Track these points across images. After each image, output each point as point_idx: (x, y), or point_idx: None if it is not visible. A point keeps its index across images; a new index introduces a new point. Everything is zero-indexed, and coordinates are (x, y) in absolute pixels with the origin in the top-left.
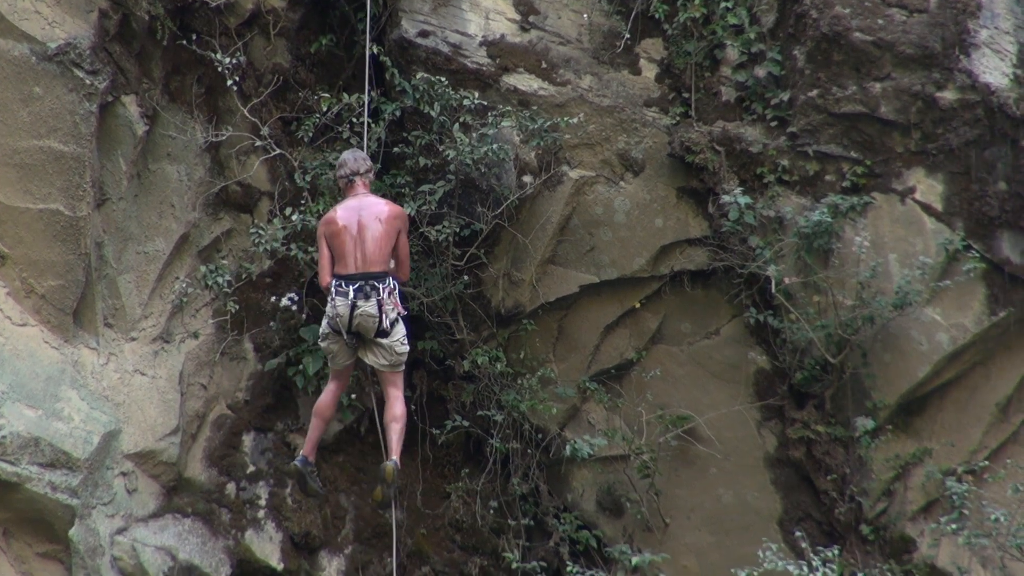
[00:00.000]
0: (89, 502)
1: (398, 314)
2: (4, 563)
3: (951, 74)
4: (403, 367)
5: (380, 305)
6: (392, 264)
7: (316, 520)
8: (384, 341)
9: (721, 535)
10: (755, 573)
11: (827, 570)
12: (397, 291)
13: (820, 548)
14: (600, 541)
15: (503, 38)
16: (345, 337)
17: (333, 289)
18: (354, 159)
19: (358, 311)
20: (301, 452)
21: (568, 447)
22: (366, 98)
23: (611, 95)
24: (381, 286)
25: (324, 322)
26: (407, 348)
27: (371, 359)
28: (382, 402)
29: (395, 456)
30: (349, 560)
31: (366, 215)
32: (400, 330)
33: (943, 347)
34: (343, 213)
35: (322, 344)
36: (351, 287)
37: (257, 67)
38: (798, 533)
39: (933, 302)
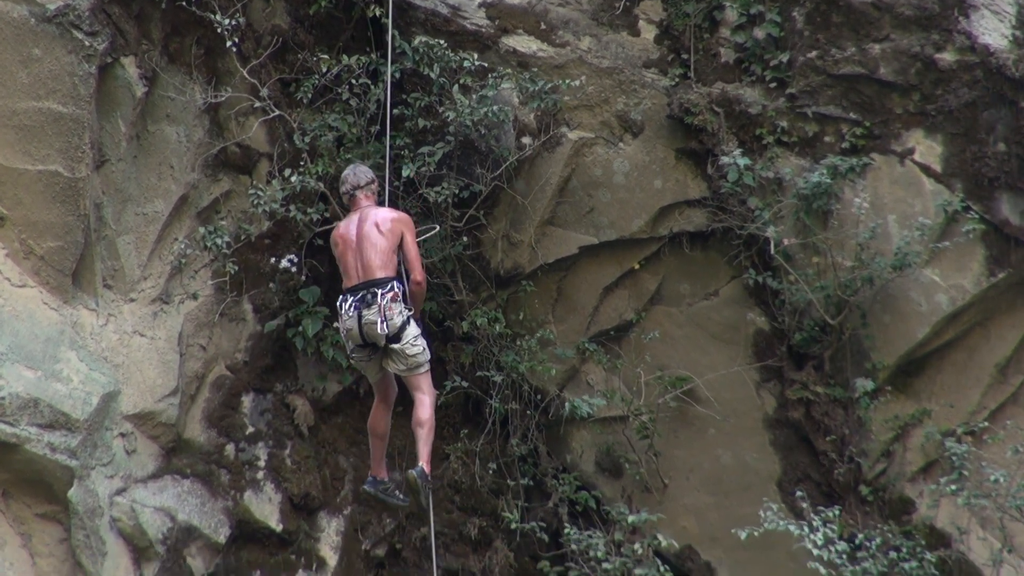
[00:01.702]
0: (88, 463)
1: (407, 317)
2: (3, 524)
3: (950, 35)
4: (425, 368)
5: (382, 311)
6: (400, 268)
7: (315, 481)
8: (396, 346)
9: (720, 496)
10: (755, 533)
11: (827, 530)
12: (402, 295)
13: (820, 508)
14: (599, 502)
15: (502, 0)
16: (361, 352)
17: (339, 305)
18: (354, 174)
19: (364, 320)
20: (369, 474)
21: (567, 408)
22: (389, 70)
23: (610, 56)
24: (381, 291)
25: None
26: (419, 349)
27: (391, 367)
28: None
29: (422, 462)
30: (348, 521)
31: (366, 225)
32: (411, 332)
33: (942, 308)
34: (344, 228)
35: (353, 362)
36: (353, 299)
37: (256, 28)
38: (799, 493)
39: (932, 263)
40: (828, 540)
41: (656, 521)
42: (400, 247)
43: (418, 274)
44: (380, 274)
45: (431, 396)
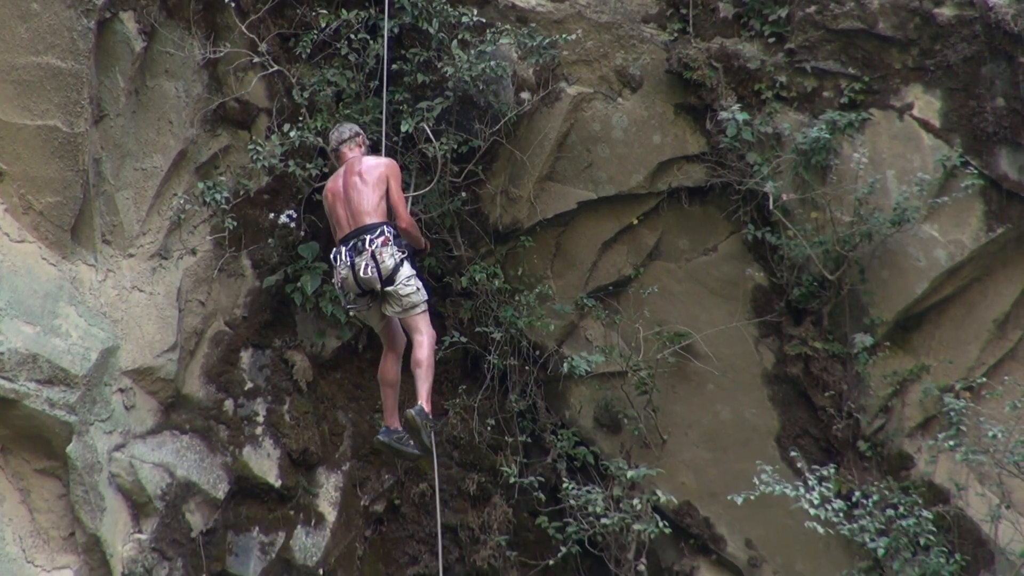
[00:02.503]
0: (87, 419)
1: (400, 258)
2: (2, 479)
3: None
4: (421, 309)
5: (374, 255)
6: (388, 214)
7: (314, 437)
8: (390, 289)
9: (718, 451)
10: (751, 497)
11: (823, 488)
12: (394, 237)
13: (816, 467)
14: (597, 457)
15: None
16: (360, 301)
17: (333, 258)
18: (337, 130)
19: (357, 267)
20: (382, 425)
21: (566, 364)
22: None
23: (609, 11)
24: (371, 236)
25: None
26: (413, 289)
27: (389, 310)
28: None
29: (421, 401)
30: (347, 476)
31: (352, 176)
32: (404, 272)
33: (941, 263)
34: (332, 183)
35: (352, 314)
36: (345, 248)
37: None
38: (793, 453)
39: (931, 218)
40: (824, 499)
41: (655, 476)
42: (387, 193)
43: (403, 220)
44: (368, 220)
45: (429, 336)
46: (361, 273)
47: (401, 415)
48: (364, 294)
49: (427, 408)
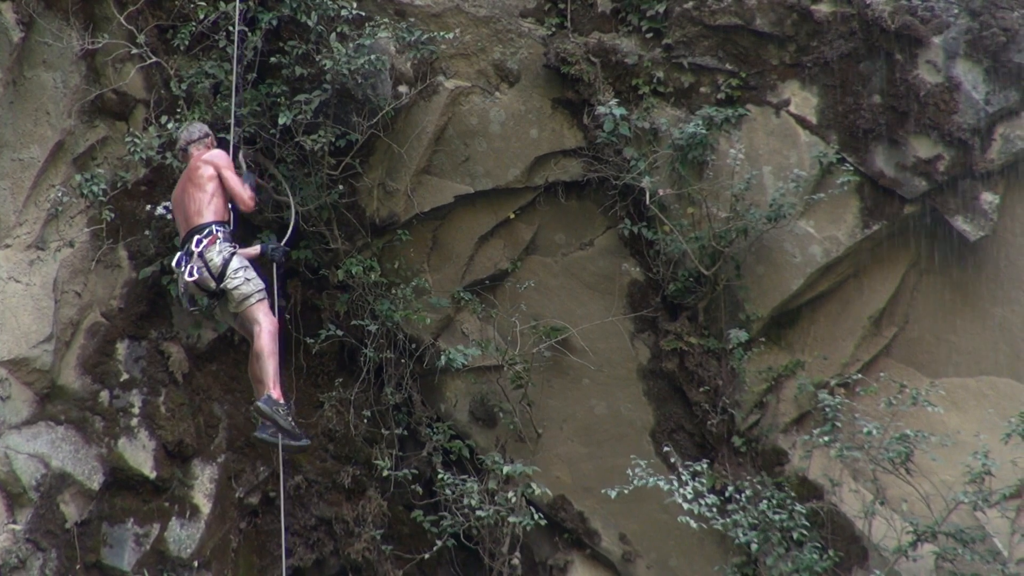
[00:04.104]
0: None
1: (229, 253)
2: None
3: None
4: (255, 299)
5: (202, 255)
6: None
7: (189, 428)
8: (224, 285)
9: (593, 446)
10: (625, 491)
11: (696, 484)
12: (224, 234)
13: (688, 464)
14: (473, 451)
15: None
16: (208, 301)
17: (176, 264)
18: (186, 130)
19: (186, 272)
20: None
21: (442, 357)
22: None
23: (487, 5)
24: (198, 237)
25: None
26: (241, 280)
27: (231, 308)
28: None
29: (268, 390)
30: (222, 468)
31: (184, 180)
32: (232, 266)
33: (816, 259)
34: (175, 189)
35: (212, 314)
36: (182, 253)
37: None
38: (666, 448)
39: (807, 215)
40: (698, 493)
41: (530, 472)
42: (222, 186)
43: (243, 205)
44: (197, 221)
45: (268, 325)
46: (187, 276)
47: (256, 401)
48: (212, 295)
49: (276, 394)
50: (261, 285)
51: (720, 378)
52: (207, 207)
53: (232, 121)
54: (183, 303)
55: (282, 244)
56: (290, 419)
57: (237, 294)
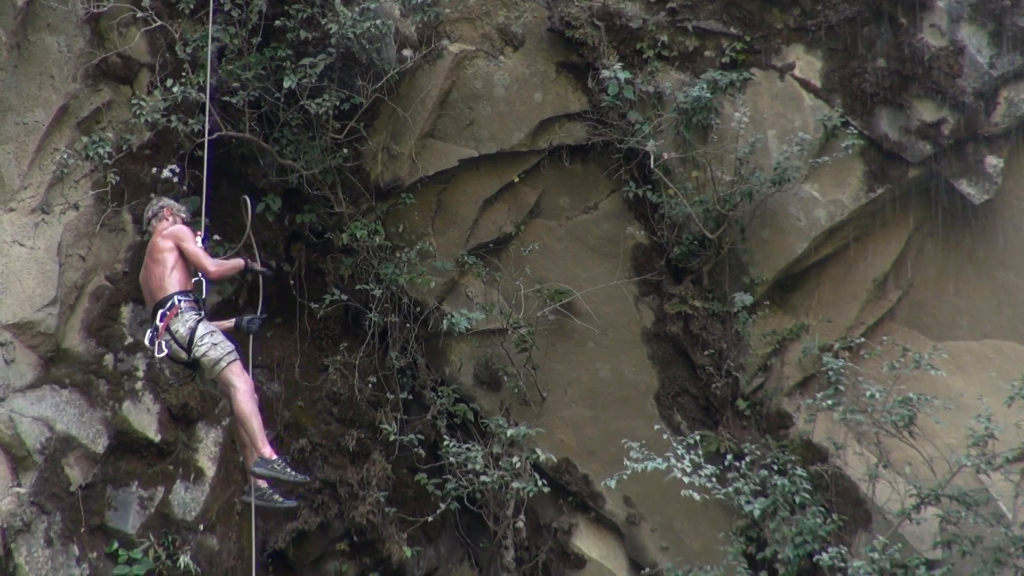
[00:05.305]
0: None
1: (195, 322)
2: None
3: None
4: (226, 362)
5: (168, 329)
6: (191, 278)
7: (194, 392)
8: (194, 354)
9: (598, 409)
10: (623, 476)
11: (694, 456)
12: (184, 305)
13: (682, 438)
14: (477, 414)
15: None
16: (188, 371)
17: (147, 344)
18: (150, 207)
19: (163, 347)
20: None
21: (446, 321)
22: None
23: None
24: (161, 311)
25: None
26: (207, 346)
27: (206, 375)
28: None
29: (258, 452)
30: (226, 432)
31: (145, 257)
32: (198, 333)
33: (820, 223)
34: (141, 271)
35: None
36: (151, 330)
37: None
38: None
39: (811, 178)
40: (696, 465)
41: (534, 435)
42: (183, 258)
43: (209, 273)
44: (159, 295)
45: (244, 386)
46: (156, 353)
47: (251, 466)
48: (188, 365)
49: (267, 452)
50: (230, 347)
51: (724, 341)
52: (168, 279)
53: (207, 98)
54: (167, 377)
55: (257, 315)
56: (288, 470)
57: (207, 361)
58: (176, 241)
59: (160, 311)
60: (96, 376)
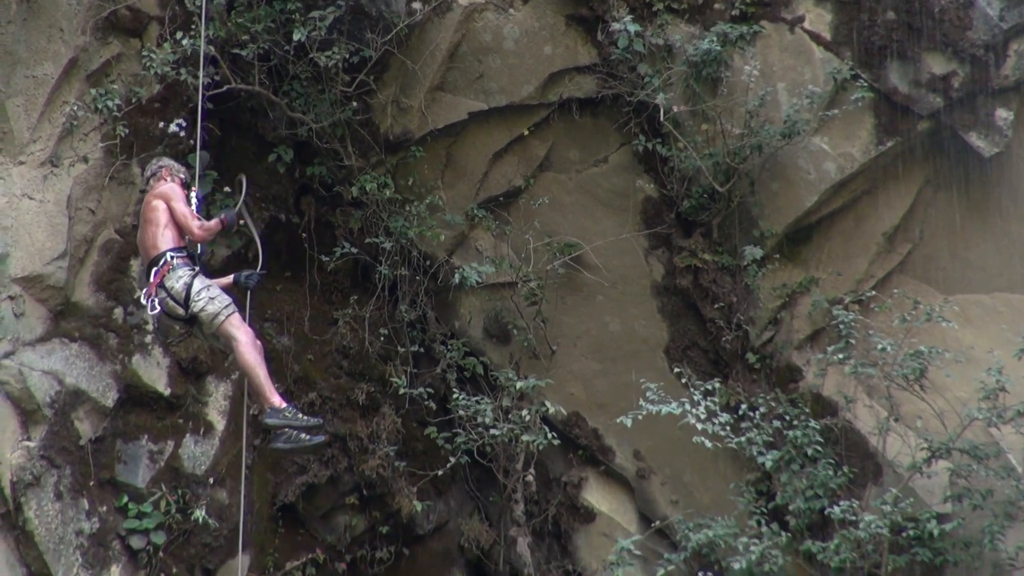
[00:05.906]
0: None
1: (190, 278)
2: None
3: None
4: (224, 315)
5: (162, 285)
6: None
7: (203, 346)
8: (191, 309)
9: (607, 363)
10: (639, 417)
11: (709, 403)
12: (179, 261)
13: (699, 383)
14: (487, 368)
15: None
16: (186, 328)
17: (142, 302)
18: (148, 167)
19: (156, 304)
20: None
21: (456, 274)
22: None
23: None
24: (155, 270)
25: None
26: (204, 300)
27: (206, 330)
28: None
29: (267, 404)
30: (236, 385)
31: (140, 219)
32: (195, 288)
33: (830, 176)
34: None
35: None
36: (145, 290)
37: None
38: (676, 370)
39: (821, 131)
40: (711, 413)
41: (544, 387)
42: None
43: (193, 235)
44: (153, 253)
45: (245, 338)
46: (150, 311)
47: (262, 416)
48: (186, 321)
49: (276, 402)
50: (227, 300)
51: (734, 295)
52: (160, 238)
53: (201, 68)
54: (160, 337)
55: (255, 271)
56: (300, 415)
57: (205, 315)
58: (166, 200)
59: (154, 269)
60: (106, 329)
